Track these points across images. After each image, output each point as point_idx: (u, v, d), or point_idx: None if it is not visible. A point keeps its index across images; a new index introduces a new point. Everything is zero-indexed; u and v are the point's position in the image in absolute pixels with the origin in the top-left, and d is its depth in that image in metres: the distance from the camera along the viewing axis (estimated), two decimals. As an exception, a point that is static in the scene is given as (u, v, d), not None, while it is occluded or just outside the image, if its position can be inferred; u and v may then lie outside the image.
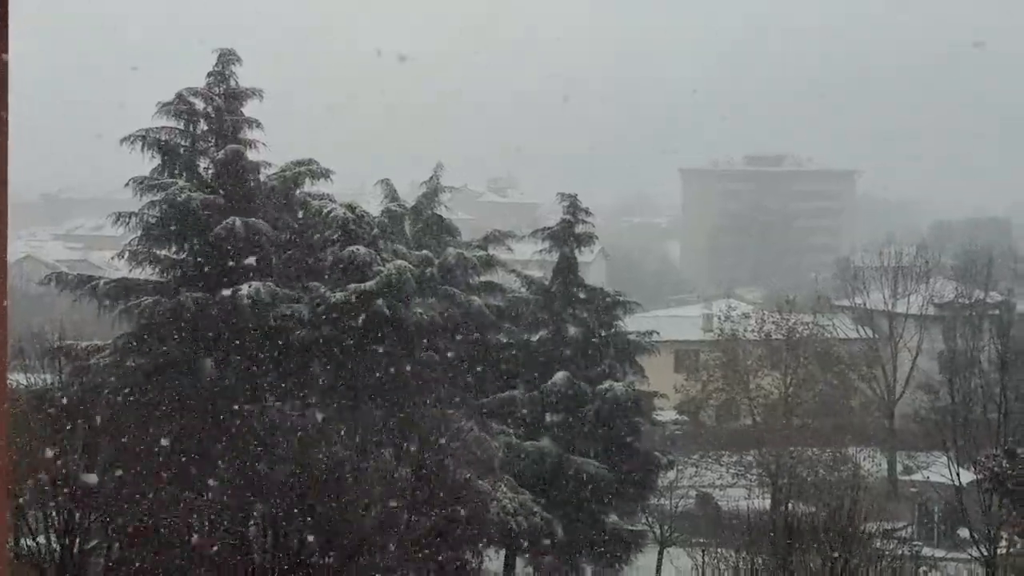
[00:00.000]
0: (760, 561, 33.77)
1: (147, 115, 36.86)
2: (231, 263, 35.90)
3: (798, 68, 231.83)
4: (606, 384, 43.41)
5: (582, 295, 45.36)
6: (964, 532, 41.81)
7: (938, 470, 45.72)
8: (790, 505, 40.77)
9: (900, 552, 37.46)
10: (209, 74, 37.43)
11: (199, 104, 37.15)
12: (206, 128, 37.32)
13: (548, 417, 43.34)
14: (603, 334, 45.40)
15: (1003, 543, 37.84)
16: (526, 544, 41.90)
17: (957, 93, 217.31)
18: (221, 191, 36.44)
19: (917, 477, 54.05)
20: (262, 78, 37.92)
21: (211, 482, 33.10)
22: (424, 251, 40.92)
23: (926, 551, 43.91)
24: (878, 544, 36.51)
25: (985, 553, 38.28)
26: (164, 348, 35.43)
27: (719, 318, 66.34)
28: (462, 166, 43.13)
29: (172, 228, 36.25)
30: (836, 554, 31.14)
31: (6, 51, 4.13)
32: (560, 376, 42.99)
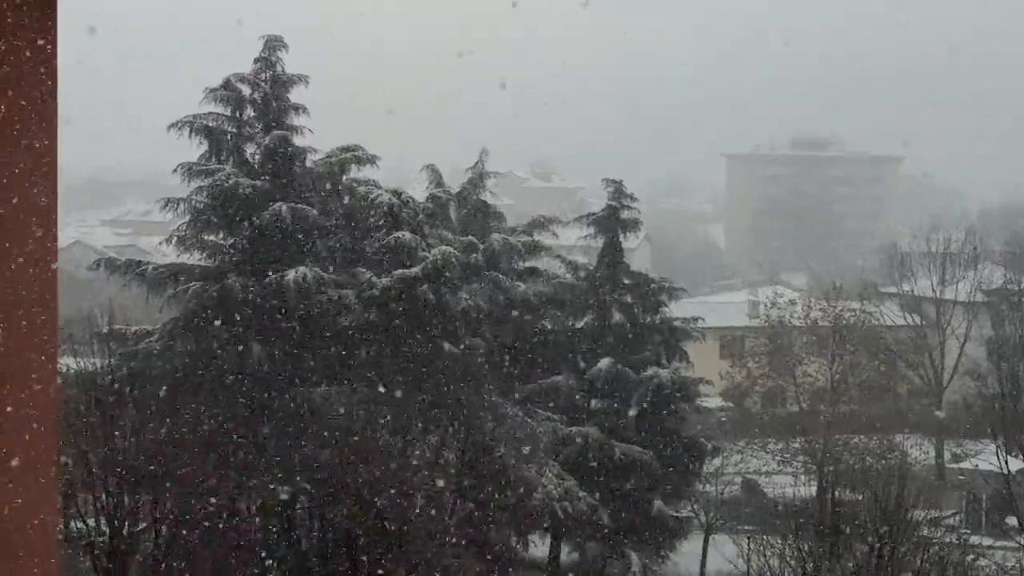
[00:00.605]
0: (806, 548, 33.56)
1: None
2: (278, 248, 36.07)
3: (798, 68, 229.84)
4: (651, 370, 43.32)
5: (627, 281, 45.28)
6: (1013, 520, 41.45)
7: (986, 458, 45.34)
8: (836, 492, 40.54)
9: (948, 540, 37.17)
10: (256, 60, 37.54)
11: (246, 90, 37.28)
12: (253, 114, 37.45)
13: (593, 403, 43.32)
14: (648, 320, 45.31)
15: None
16: (572, 530, 41.94)
17: (958, 93, 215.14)
18: (268, 177, 36.60)
19: (965, 465, 53.64)
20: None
21: (258, 465, 33.32)
22: (469, 237, 40.93)
23: (974, 539, 43.55)
24: (925, 532, 36.24)
25: (1034, 542, 37.97)
26: (212, 333, 35.65)
27: (765, 304, 66.04)
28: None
29: (219, 214, 36.44)
30: (883, 542, 30.95)
31: (55, 41, 4.13)
32: (605, 362, 42.95)
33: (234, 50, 37.76)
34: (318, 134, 41.41)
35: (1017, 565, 38.51)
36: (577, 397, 43.31)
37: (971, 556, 35.64)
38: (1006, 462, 41.10)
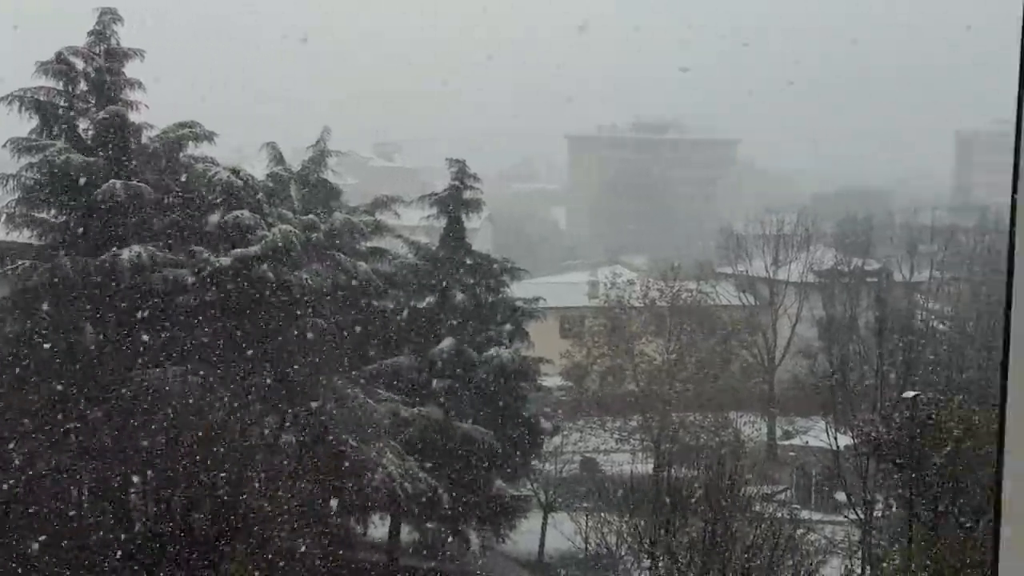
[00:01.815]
0: (643, 524, 34.19)
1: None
2: (112, 227, 35.28)
3: (798, 68, 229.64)
4: (493, 350, 43.55)
5: (469, 261, 45.38)
6: (841, 496, 42.70)
7: (816, 435, 46.60)
8: (672, 469, 41.30)
9: (779, 515, 38.16)
10: (90, 33, 36.59)
11: (79, 64, 36.33)
12: (86, 88, 36.53)
13: (434, 383, 43.36)
14: (490, 300, 45.51)
15: (879, 506, 38.74)
16: (412, 510, 41.97)
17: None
18: (101, 153, 35.74)
19: (796, 442, 55.08)
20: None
21: (91, 449, 32.60)
22: (310, 216, 40.55)
23: (804, 514, 44.80)
24: (757, 507, 37.18)
25: (861, 516, 39.16)
26: (43, 313, 34.74)
27: (605, 285, 66.77)
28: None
29: (51, 191, 35.50)
30: (717, 517, 31.65)
31: None
32: (447, 342, 43.02)
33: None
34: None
35: (846, 539, 39.70)
36: (419, 378, 43.31)
37: (801, 531, 36.60)
38: (835, 439, 42.27)
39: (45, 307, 34.63)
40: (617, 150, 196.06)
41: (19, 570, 29.56)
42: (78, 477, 31.59)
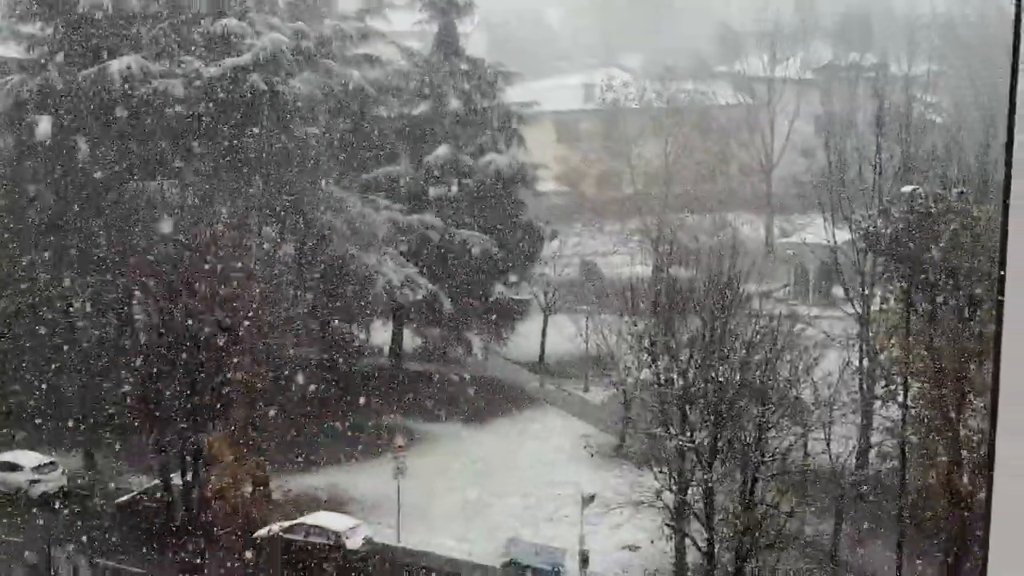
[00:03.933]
0: (642, 325, 34.41)
1: None
2: (99, 38, 34.74)
3: None
4: (488, 157, 43.31)
5: (463, 66, 44.82)
6: (839, 290, 42.90)
7: (814, 231, 46.58)
8: (671, 270, 41.43)
9: (777, 311, 38.34)
10: None
11: None
12: None
13: (431, 191, 43.25)
14: (485, 106, 45.08)
15: (876, 300, 38.91)
16: (413, 316, 42.31)
17: None
18: (83, -38, 34.96)
19: (794, 239, 55.18)
20: None
21: (91, 262, 32.66)
22: (299, 23, 39.85)
23: (802, 309, 45.10)
24: (756, 304, 37.37)
25: (859, 310, 39.43)
26: (35, 127, 34.45)
27: (600, 88, 66.00)
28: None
29: (36, 3, 34.88)
30: (716, 315, 31.84)
31: None
32: (443, 149, 42.75)
33: None
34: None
35: (843, 333, 40.01)
36: (415, 185, 43.17)
37: (799, 326, 36.82)
38: (833, 234, 42.26)
39: (38, 121, 34.40)
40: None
41: (30, 381, 29.94)
42: (79, 290, 31.71)
